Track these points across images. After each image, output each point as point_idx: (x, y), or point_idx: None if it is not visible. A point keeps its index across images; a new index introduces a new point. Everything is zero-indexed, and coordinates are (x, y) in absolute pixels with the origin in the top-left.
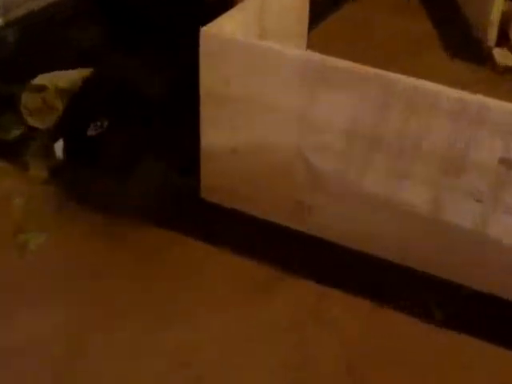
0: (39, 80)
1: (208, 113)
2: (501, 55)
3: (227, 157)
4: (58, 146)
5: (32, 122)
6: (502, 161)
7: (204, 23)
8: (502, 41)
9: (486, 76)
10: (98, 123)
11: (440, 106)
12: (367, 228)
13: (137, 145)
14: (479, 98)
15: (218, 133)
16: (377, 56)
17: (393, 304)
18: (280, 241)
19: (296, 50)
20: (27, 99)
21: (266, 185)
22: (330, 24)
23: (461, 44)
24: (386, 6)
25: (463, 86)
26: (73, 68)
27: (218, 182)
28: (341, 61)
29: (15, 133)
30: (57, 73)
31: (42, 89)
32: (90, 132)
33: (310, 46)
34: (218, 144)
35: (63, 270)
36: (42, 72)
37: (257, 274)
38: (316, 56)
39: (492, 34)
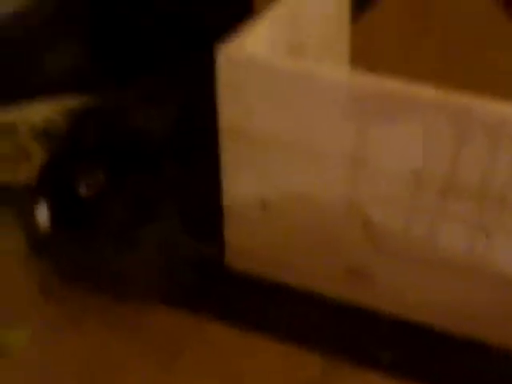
0: (7, 116)
1: (230, 156)
2: None
3: (256, 214)
4: (42, 212)
5: (1, 176)
6: None
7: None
8: None
9: None
10: (92, 179)
11: None
12: (443, 299)
13: (141, 202)
14: None
15: (243, 183)
16: (439, 55)
17: None
18: (329, 318)
19: (340, 72)
20: None
21: (307, 248)
22: (378, 15)
23: None
24: None
25: None
26: (49, 98)
27: (247, 246)
28: (401, 84)
29: None
30: (28, 106)
31: (10, 128)
32: (82, 190)
33: (353, 51)
34: (244, 198)
35: (53, 375)
36: (7, 104)
37: (304, 366)
38: (367, 79)
39: None
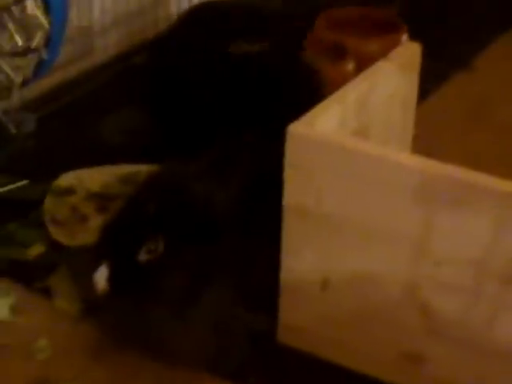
0: (65, 180)
1: (292, 234)
2: None
3: (315, 291)
4: (100, 275)
5: (58, 236)
6: None
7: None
8: None
9: None
10: (152, 245)
11: None
12: None
13: (199, 275)
14: None
15: (304, 261)
16: (494, 148)
17: None
18: None
19: (407, 158)
20: (51, 206)
21: (363, 329)
22: (436, 103)
23: None
24: (504, 79)
25: None
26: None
27: (301, 323)
28: (471, 173)
29: (36, 250)
30: (84, 171)
31: (69, 192)
32: (142, 256)
33: (416, 134)
34: (304, 275)
35: None
36: (66, 170)
37: None
38: (434, 165)
39: None
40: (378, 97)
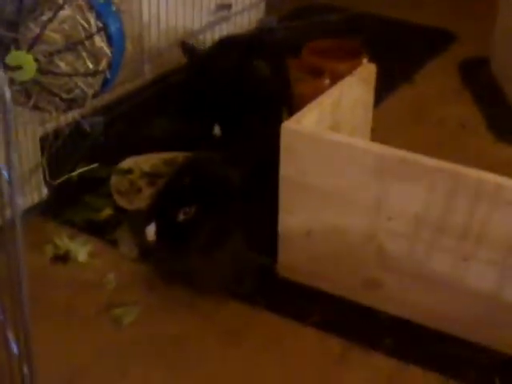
0: (126, 164)
1: (286, 200)
2: None
3: (302, 239)
4: (150, 230)
5: (121, 203)
6: None
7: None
8: None
9: None
10: (187, 209)
11: (503, 196)
12: (433, 305)
13: (221, 229)
14: None
15: (294, 218)
16: (428, 137)
17: (461, 378)
18: (348, 314)
19: (367, 144)
20: (116, 182)
21: (337, 264)
22: (388, 106)
23: (506, 127)
24: (437, 89)
25: (509, 167)
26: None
27: (293, 262)
28: (409, 154)
29: (106, 213)
30: (141, 157)
31: (128, 172)
32: (180, 217)
33: (373, 128)
34: (294, 228)
35: (158, 343)
36: (126, 157)
37: (328, 347)
38: (386, 149)
39: None
40: (346, 101)
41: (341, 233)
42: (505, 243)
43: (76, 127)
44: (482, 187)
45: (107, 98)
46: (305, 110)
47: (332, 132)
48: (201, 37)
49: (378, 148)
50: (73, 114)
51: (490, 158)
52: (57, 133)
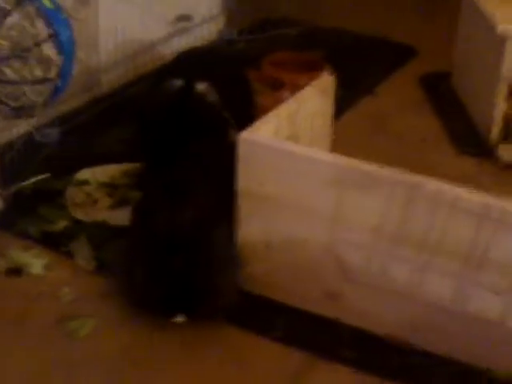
0: (82, 175)
1: (244, 212)
2: (505, 151)
3: (262, 251)
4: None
5: (77, 214)
6: None
7: None
8: (506, 135)
9: (491, 171)
10: None
11: (461, 207)
12: (392, 315)
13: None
14: (500, 202)
15: (252, 230)
16: (390, 149)
17: None
18: (309, 326)
19: (325, 155)
20: (72, 193)
21: (297, 276)
22: (349, 118)
23: (466, 140)
24: (398, 102)
25: (469, 180)
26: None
27: (254, 275)
28: (367, 165)
29: (61, 225)
30: (98, 168)
31: (85, 183)
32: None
33: (334, 140)
34: (253, 240)
35: (112, 357)
36: (82, 168)
37: (288, 359)
38: (344, 160)
39: (495, 132)
40: (304, 113)
41: (300, 244)
42: (462, 254)
43: (30, 138)
44: (439, 198)
45: (63, 108)
46: (261, 120)
47: (288, 142)
48: (159, 48)
49: (334, 159)
50: (27, 125)
51: (450, 171)
52: (10, 144)
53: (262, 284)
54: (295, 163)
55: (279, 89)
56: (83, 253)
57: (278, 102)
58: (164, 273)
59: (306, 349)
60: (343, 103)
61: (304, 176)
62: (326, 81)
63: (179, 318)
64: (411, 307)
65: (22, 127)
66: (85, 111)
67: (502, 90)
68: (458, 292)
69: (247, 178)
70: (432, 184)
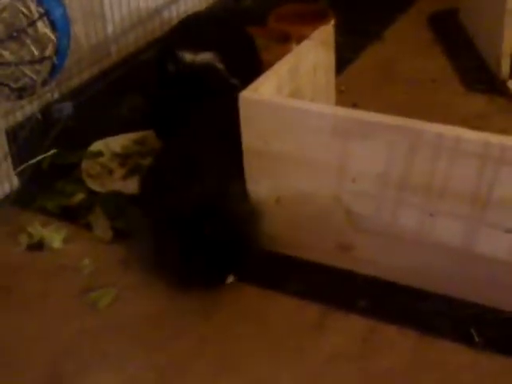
0: (95, 147)
1: (251, 168)
2: None
3: (272, 207)
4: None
5: (93, 186)
6: None
7: None
8: None
9: (502, 107)
10: None
11: (464, 148)
12: (404, 262)
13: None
14: (501, 139)
15: (261, 187)
16: (399, 95)
17: (436, 331)
18: (327, 280)
19: (325, 107)
20: (87, 165)
21: (308, 229)
22: (358, 66)
23: (477, 77)
24: (406, 46)
25: (480, 118)
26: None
27: (266, 231)
28: (368, 114)
29: (78, 198)
30: (110, 138)
31: (99, 154)
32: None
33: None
34: (263, 197)
35: (136, 323)
36: (96, 139)
37: (306, 311)
38: (344, 111)
39: (505, 66)
40: (305, 66)
41: (308, 198)
42: (468, 196)
43: (43, 114)
44: (441, 142)
45: (75, 82)
46: (261, 78)
47: (288, 98)
48: (165, 13)
49: (335, 111)
50: (39, 103)
51: (461, 110)
52: (21, 124)
53: (274, 240)
54: (296, 118)
55: (285, 42)
56: (100, 223)
57: (285, 55)
58: (203, 243)
59: (322, 301)
60: (351, 51)
61: (307, 130)
62: (325, 32)
63: (230, 280)
64: (422, 253)
65: (34, 105)
66: (96, 83)
67: (510, 23)
68: (468, 234)
69: (252, 136)
70: (432, 127)
